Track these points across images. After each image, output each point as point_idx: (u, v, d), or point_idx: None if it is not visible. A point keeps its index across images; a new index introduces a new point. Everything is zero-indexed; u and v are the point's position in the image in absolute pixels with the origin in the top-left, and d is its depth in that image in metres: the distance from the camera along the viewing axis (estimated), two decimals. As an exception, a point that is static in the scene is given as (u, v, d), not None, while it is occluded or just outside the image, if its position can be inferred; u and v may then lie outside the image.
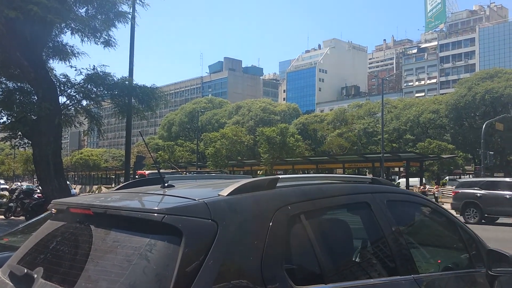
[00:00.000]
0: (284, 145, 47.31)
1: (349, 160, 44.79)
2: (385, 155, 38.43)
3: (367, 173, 46.10)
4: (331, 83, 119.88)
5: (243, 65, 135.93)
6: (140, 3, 16.42)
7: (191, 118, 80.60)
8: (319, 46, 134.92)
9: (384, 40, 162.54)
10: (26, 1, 12.53)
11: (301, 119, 73.08)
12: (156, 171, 3.15)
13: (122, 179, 47.08)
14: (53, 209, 2.50)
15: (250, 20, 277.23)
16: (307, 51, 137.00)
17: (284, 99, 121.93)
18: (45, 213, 5.59)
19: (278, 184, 2.34)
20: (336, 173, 43.08)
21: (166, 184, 2.52)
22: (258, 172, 51.74)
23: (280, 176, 2.41)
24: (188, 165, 58.58)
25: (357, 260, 2.67)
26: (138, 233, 1.95)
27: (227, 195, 2.12)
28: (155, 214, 1.92)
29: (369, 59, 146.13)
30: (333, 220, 2.70)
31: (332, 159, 45.40)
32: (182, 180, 3.89)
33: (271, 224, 2.08)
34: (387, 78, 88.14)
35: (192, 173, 34.39)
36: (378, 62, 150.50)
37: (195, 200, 2.07)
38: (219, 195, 2.14)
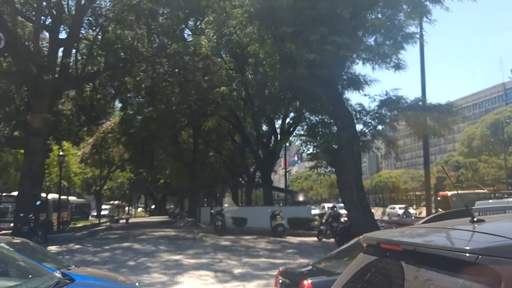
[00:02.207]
0: None
1: None
2: None
3: None
4: None
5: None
6: (427, 20, 16.22)
7: (494, 130, 73.29)
8: None
9: None
10: (321, 43, 14.06)
11: None
12: (460, 191, 2.99)
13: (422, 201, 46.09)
14: (364, 243, 2.65)
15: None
16: None
17: None
18: (354, 240, 5.95)
19: None
20: None
21: (475, 219, 2.35)
22: None
23: None
24: (496, 183, 53.09)
25: None
26: (450, 272, 1.89)
27: None
28: (467, 254, 1.81)
29: None
30: None
31: None
32: (489, 210, 3.57)
33: None
34: None
35: (503, 194, 30.90)
36: None
37: (511, 239, 1.87)
38: None
